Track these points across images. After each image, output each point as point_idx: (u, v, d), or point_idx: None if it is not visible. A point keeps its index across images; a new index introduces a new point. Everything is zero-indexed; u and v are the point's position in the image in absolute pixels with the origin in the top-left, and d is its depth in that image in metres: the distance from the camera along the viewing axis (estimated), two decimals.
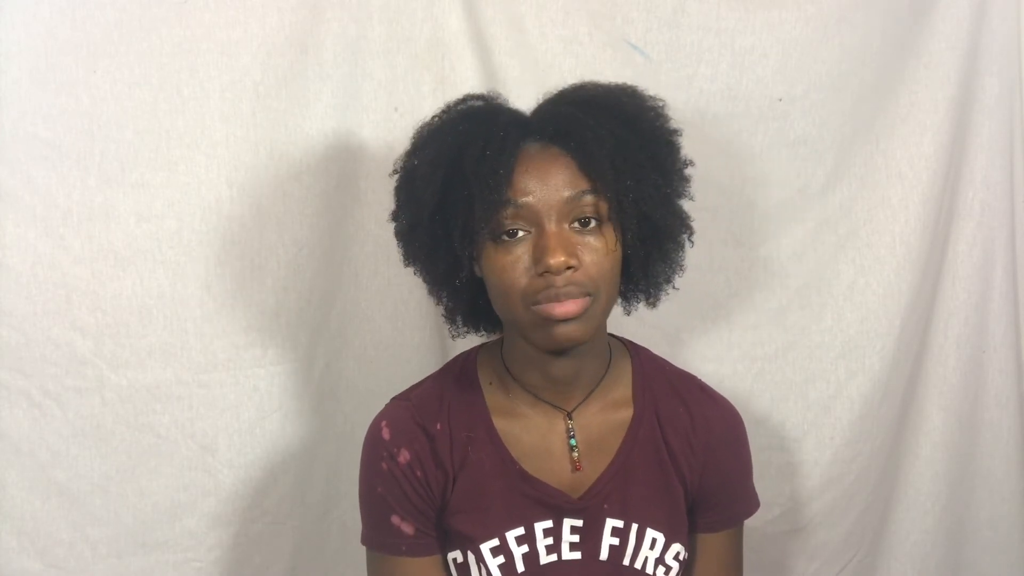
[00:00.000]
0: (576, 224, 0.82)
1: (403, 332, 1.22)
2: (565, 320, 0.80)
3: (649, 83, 0.92)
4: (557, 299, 0.80)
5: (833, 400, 1.31)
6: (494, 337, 0.98)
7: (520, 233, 0.82)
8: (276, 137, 1.13)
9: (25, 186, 1.06)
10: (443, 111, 0.89)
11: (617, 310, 0.92)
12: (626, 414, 0.93)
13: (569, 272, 0.80)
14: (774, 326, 1.29)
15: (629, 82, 0.90)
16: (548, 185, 0.81)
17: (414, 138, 0.89)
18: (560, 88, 0.90)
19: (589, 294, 0.81)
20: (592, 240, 0.82)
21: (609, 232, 0.83)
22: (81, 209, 1.08)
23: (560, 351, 0.87)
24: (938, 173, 1.27)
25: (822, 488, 1.31)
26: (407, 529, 0.90)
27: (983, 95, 1.27)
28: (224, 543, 1.18)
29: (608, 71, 1.19)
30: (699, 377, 1.00)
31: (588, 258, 0.81)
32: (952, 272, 1.32)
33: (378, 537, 0.91)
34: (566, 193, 0.81)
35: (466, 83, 1.17)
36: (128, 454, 1.13)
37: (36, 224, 1.07)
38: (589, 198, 0.81)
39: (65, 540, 1.12)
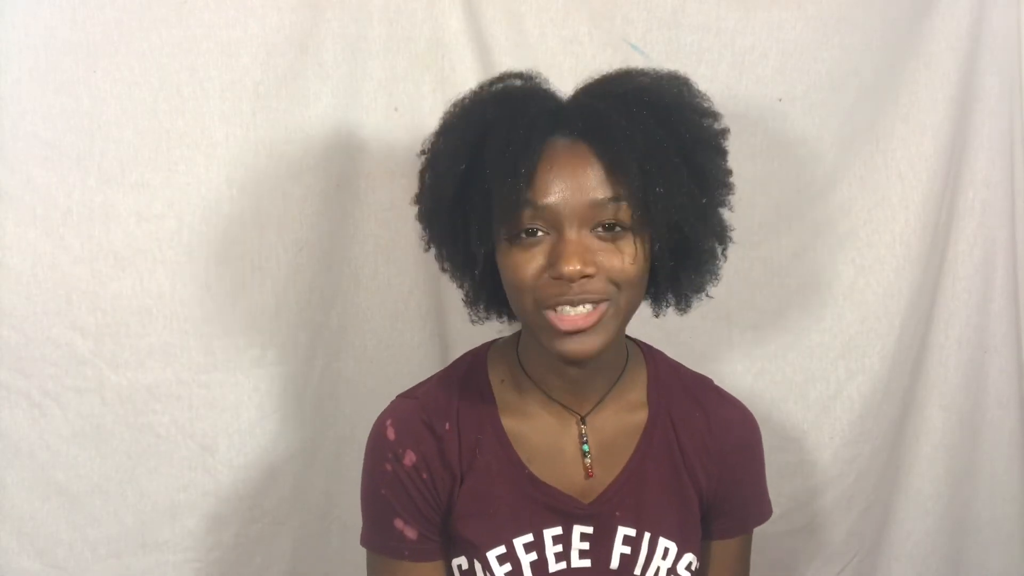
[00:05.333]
0: (599, 229, 0.77)
1: (403, 332, 1.22)
2: (575, 332, 0.77)
3: None
4: (571, 303, 0.76)
5: (833, 400, 1.31)
6: (515, 326, 0.94)
7: (539, 233, 0.78)
8: (276, 137, 1.13)
9: (25, 186, 1.06)
10: (477, 89, 0.85)
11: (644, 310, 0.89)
12: (640, 417, 0.90)
13: (584, 281, 0.76)
14: (774, 326, 1.29)
15: None
16: (572, 188, 0.76)
17: (443, 117, 0.85)
18: (603, 73, 0.86)
19: (607, 300, 0.77)
20: (615, 246, 0.77)
21: (636, 240, 0.78)
22: (81, 209, 1.08)
23: (573, 364, 0.83)
24: (938, 173, 1.27)
25: (822, 488, 1.31)
26: (410, 534, 0.86)
27: (983, 95, 1.28)
28: (224, 543, 1.18)
29: (608, 71, 1.18)
30: (714, 381, 0.97)
31: (608, 264, 0.77)
32: (952, 272, 1.32)
33: (380, 540, 0.88)
34: (590, 198, 0.76)
35: (466, 83, 1.16)
36: (128, 454, 1.13)
37: (36, 224, 1.07)
38: (614, 205, 0.76)
39: (65, 540, 1.12)
